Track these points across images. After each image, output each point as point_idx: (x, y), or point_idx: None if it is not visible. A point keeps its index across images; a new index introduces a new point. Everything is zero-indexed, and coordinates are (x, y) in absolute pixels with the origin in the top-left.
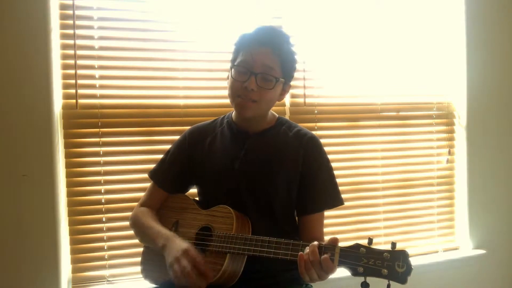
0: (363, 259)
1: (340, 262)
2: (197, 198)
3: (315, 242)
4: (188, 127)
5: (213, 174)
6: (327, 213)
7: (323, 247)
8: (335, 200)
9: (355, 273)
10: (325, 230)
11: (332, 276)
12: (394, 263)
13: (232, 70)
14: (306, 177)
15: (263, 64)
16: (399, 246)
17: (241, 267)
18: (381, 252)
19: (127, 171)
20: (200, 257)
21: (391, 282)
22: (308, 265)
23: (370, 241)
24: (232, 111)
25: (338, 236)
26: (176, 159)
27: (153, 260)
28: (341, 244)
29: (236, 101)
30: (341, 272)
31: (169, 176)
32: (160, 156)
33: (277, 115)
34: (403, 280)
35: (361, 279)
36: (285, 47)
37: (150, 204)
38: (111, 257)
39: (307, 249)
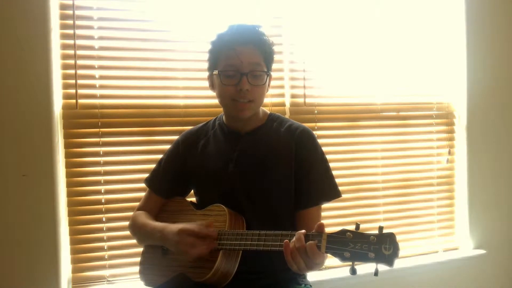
0: (350, 244)
1: (328, 249)
2: (194, 200)
3: (302, 230)
4: (189, 127)
5: (208, 176)
6: (326, 213)
7: (310, 235)
8: (331, 193)
9: (342, 259)
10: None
11: (332, 276)
12: (380, 246)
13: (220, 76)
14: (301, 170)
15: (250, 63)
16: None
17: (235, 265)
18: (367, 236)
19: (127, 171)
20: (195, 226)
21: (379, 266)
22: (294, 252)
23: (358, 226)
24: (222, 113)
25: None
26: (171, 165)
27: (151, 263)
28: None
29: (232, 105)
30: (341, 272)
31: (165, 182)
32: (160, 156)
33: (268, 112)
34: (390, 263)
35: (363, 274)
36: (264, 40)
37: (147, 209)
38: (111, 257)
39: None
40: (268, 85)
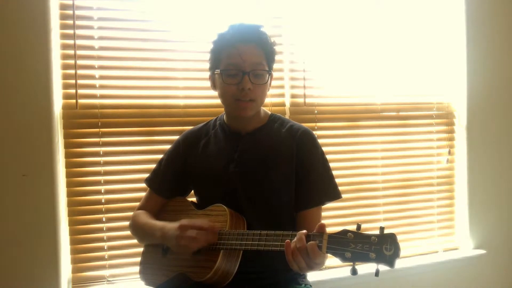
0: (351, 244)
1: (329, 249)
2: (194, 199)
3: (304, 231)
4: (189, 127)
5: (208, 177)
6: (327, 213)
7: (311, 235)
8: (332, 194)
9: (343, 259)
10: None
11: (332, 276)
12: (381, 246)
13: (222, 75)
14: (301, 171)
15: (252, 62)
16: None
17: (236, 265)
18: (368, 236)
19: (127, 171)
20: (196, 221)
21: (380, 266)
22: (295, 252)
23: (359, 226)
24: (223, 112)
25: None
26: (171, 165)
27: (152, 263)
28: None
29: (234, 104)
30: (341, 272)
31: (166, 182)
32: (160, 157)
33: (270, 112)
34: (391, 263)
35: (362, 273)
36: (266, 39)
37: (148, 209)
38: (111, 257)
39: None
40: (270, 84)
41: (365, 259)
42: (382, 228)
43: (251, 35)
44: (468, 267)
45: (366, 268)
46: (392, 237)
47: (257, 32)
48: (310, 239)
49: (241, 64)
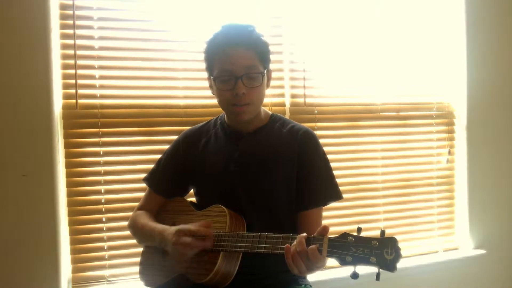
0: (352, 248)
1: (329, 253)
2: (194, 200)
3: (304, 234)
4: (188, 127)
5: (208, 176)
6: (326, 213)
7: (311, 238)
8: (332, 194)
9: (343, 262)
10: None
11: (332, 276)
12: (382, 250)
13: (215, 82)
14: (302, 172)
15: (243, 65)
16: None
17: (236, 266)
18: (369, 240)
19: (127, 171)
20: (193, 226)
21: (380, 270)
22: (295, 256)
23: (359, 230)
24: (223, 112)
25: None
26: (171, 164)
27: (151, 263)
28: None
29: (231, 109)
30: (341, 272)
31: (165, 181)
32: (160, 157)
33: (271, 113)
34: (392, 268)
35: (366, 274)
36: (256, 37)
37: (147, 209)
38: (111, 257)
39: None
40: (268, 80)
41: (366, 263)
42: (383, 232)
43: (239, 38)
44: (468, 267)
45: (365, 268)
46: (393, 241)
47: (246, 33)
48: (310, 243)
49: (233, 69)
